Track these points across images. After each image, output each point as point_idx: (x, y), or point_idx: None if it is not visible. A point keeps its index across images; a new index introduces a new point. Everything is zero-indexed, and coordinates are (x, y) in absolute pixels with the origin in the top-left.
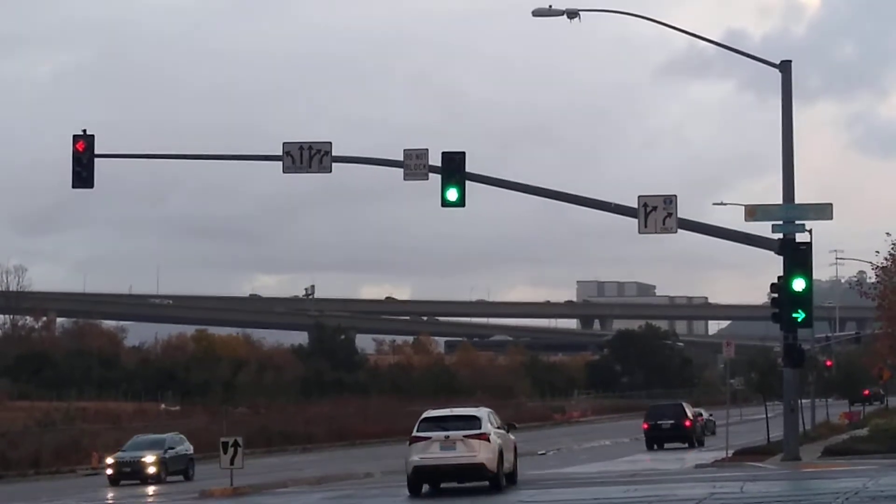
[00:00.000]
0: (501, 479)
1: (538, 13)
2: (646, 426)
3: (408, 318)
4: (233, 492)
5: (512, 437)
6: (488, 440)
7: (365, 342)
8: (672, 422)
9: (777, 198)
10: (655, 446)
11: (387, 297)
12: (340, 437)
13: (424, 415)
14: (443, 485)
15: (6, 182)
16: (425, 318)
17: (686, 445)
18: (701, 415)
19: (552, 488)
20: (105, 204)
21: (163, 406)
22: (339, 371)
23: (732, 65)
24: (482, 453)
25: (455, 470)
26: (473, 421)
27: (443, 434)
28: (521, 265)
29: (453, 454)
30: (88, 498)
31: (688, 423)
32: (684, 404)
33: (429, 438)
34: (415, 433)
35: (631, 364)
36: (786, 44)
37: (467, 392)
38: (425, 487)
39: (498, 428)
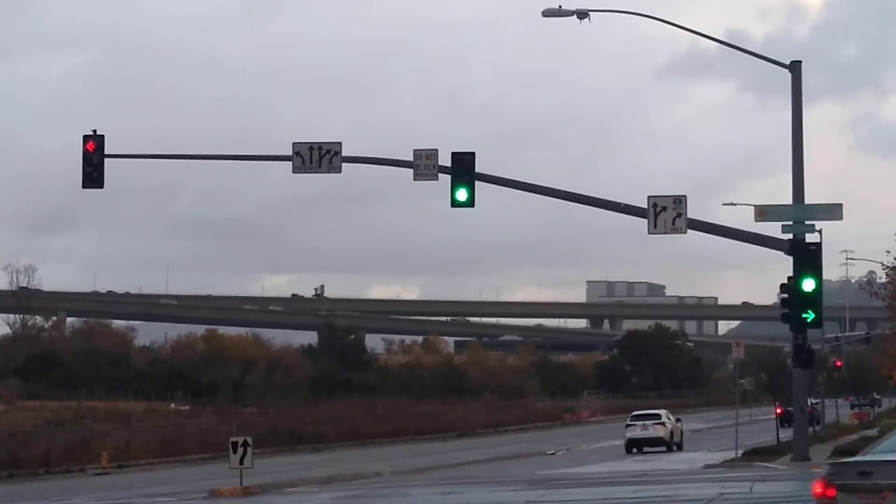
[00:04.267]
0: (672, 445)
1: (548, 13)
2: (780, 411)
3: (417, 317)
4: (242, 491)
5: (679, 425)
6: (664, 425)
7: (374, 342)
8: (790, 409)
9: (783, 198)
10: (787, 424)
11: (397, 297)
12: (350, 437)
13: (633, 413)
14: (644, 449)
15: (17, 182)
16: (435, 318)
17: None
18: (818, 404)
19: (561, 488)
20: (115, 204)
21: (172, 406)
22: (348, 371)
23: (733, 66)
24: (661, 431)
25: (648, 440)
26: (657, 416)
27: (641, 422)
28: (531, 266)
29: (647, 433)
30: (98, 497)
31: (809, 409)
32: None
33: (635, 425)
34: (627, 423)
35: (641, 364)
36: (788, 45)
37: (477, 392)
38: (633, 450)
39: (670, 419)
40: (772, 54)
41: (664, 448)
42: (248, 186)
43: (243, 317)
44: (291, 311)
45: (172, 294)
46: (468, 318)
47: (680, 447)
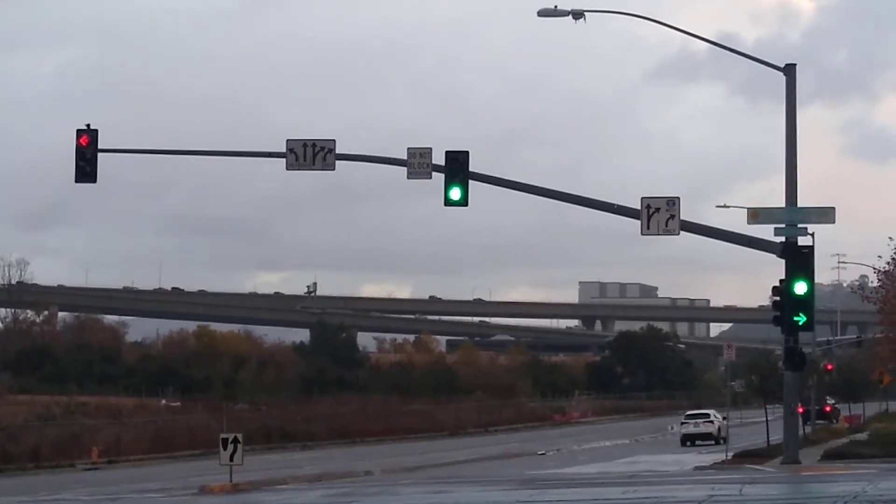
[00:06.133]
0: (719, 439)
1: (544, 13)
2: (801, 410)
3: (409, 316)
4: (232, 488)
5: (725, 422)
6: (713, 423)
7: (366, 340)
8: (818, 408)
9: (774, 202)
10: (808, 422)
11: (389, 296)
12: (341, 435)
13: (686, 413)
14: (697, 442)
15: (10, 176)
16: (427, 317)
17: (824, 422)
18: (836, 404)
19: (551, 488)
20: (108, 199)
21: (163, 402)
22: (340, 369)
23: (723, 69)
24: (711, 428)
25: (700, 435)
26: (707, 415)
27: (694, 420)
28: (524, 265)
29: (699, 429)
30: (88, 492)
31: (827, 408)
32: (827, 397)
33: (688, 423)
34: (682, 421)
35: (632, 365)
36: (779, 49)
37: (468, 392)
38: (687, 443)
39: (717, 418)
40: (763, 58)
41: (713, 442)
42: (240, 183)
43: (235, 313)
44: (283, 308)
45: (164, 289)
46: (460, 318)
47: (726, 441)
